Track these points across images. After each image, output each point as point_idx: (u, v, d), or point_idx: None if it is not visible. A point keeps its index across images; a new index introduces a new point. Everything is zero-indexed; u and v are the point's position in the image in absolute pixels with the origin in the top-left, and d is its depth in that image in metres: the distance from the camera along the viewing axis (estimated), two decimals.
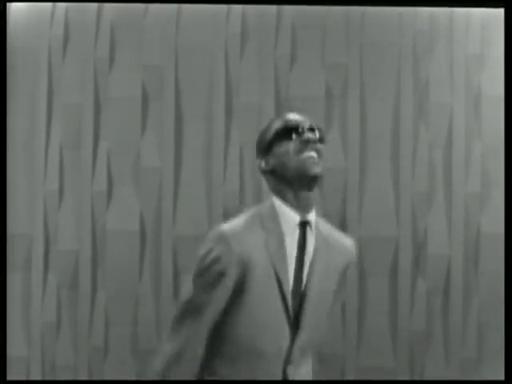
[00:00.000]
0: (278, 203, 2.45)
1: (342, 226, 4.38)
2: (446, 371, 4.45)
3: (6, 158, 4.42)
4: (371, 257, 4.47)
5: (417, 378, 4.45)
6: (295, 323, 2.44)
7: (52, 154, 4.53)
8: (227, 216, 4.34)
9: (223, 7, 4.52)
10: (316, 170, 2.40)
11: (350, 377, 4.45)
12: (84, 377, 4.48)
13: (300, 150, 2.42)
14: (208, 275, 2.39)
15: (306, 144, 2.42)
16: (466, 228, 4.47)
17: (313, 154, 2.42)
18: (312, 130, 2.46)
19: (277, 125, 2.49)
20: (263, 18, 4.53)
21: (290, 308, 2.42)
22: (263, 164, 2.49)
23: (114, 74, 4.54)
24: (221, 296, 2.37)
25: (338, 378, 4.43)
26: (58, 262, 4.51)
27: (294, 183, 2.43)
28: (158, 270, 4.48)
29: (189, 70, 4.52)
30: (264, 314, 2.40)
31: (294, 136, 2.44)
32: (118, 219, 4.49)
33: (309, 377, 2.56)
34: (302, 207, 2.44)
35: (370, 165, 4.48)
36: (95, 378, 4.48)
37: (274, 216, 2.44)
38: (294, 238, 2.43)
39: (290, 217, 2.43)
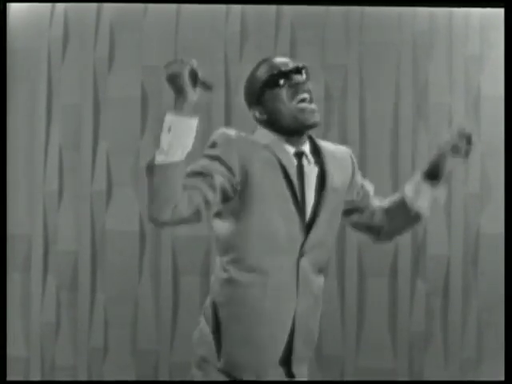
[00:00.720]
0: (274, 136, 2.50)
1: (342, 227, 4.37)
2: (446, 371, 4.45)
3: (5, 158, 4.42)
4: (371, 258, 4.46)
5: (416, 378, 4.45)
6: (309, 222, 2.47)
7: (51, 155, 4.53)
8: None
9: (222, 7, 4.52)
10: (314, 119, 2.46)
11: (350, 377, 4.44)
12: (83, 377, 4.48)
13: (292, 95, 2.46)
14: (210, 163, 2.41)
15: (297, 87, 2.45)
16: (466, 229, 4.47)
17: (305, 95, 2.45)
18: (298, 71, 2.49)
19: (262, 73, 2.50)
20: (262, 18, 4.53)
21: (303, 211, 2.46)
22: (257, 114, 2.52)
23: (113, 74, 4.53)
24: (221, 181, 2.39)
25: (337, 378, 4.43)
26: (57, 263, 4.51)
27: (290, 130, 2.48)
28: (157, 271, 4.48)
29: None
30: (276, 210, 2.42)
31: (282, 82, 2.47)
32: (118, 220, 4.49)
33: (319, 279, 2.55)
34: (295, 144, 2.50)
35: (370, 166, 4.47)
36: (94, 378, 4.48)
37: (275, 144, 2.48)
38: (293, 167, 2.48)
39: (286, 149, 2.48)
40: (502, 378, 4.21)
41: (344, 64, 4.52)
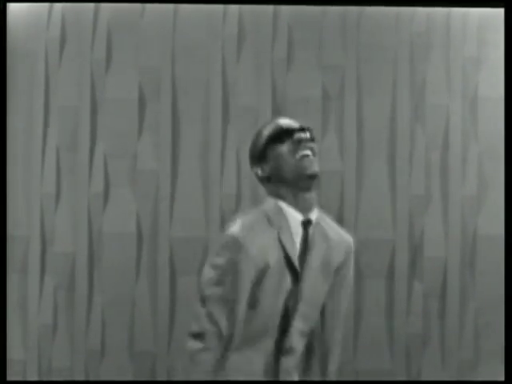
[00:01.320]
0: (281, 204, 2.49)
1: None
2: (443, 373, 4.45)
3: (5, 159, 4.42)
4: (368, 259, 4.46)
5: (414, 380, 4.45)
6: (288, 316, 2.50)
7: (49, 156, 4.53)
8: (224, 218, 4.34)
9: (220, 8, 4.52)
10: (313, 168, 2.45)
11: (347, 379, 4.44)
12: (81, 379, 4.47)
13: (294, 151, 2.47)
14: (227, 280, 2.41)
15: (299, 143, 2.47)
16: (463, 230, 4.47)
17: (307, 152, 2.46)
18: (303, 129, 2.50)
19: (267, 131, 2.53)
20: (260, 20, 4.52)
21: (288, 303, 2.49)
22: (260, 172, 2.53)
23: (110, 75, 4.53)
24: (243, 291, 2.41)
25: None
26: (54, 264, 4.51)
27: (292, 185, 2.47)
28: (154, 272, 4.48)
29: (185, 72, 4.51)
30: (274, 303, 2.46)
31: (285, 138, 2.48)
32: (115, 221, 4.49)
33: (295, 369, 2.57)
34: (303, 207, 2.49)
35: (367, 167, 4.48)
36: (92, 380, 4.48)
37: (281, 214, 2.47)
38: (299, 237, 2.48)
39: (294, 216, 2.47)
40: (500, 380, 4.21)
41: (341, 65, 4.52)
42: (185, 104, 4.51)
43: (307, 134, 2.49)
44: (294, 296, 2.50)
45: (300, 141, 2.47)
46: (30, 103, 4.53)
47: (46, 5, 4.54)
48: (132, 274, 4.48)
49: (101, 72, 4.53)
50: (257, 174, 2.54)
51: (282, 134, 2.49)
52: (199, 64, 4.52)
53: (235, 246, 2.40)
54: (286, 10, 4.52)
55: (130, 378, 4.45)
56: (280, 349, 2.49)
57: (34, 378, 4.49)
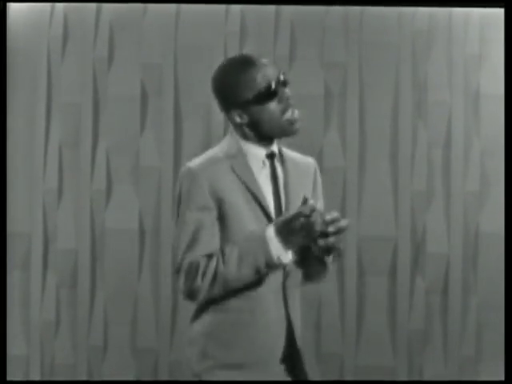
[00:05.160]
0: (243, 143, 2.49)
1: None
2: (445, 370, 4.45)
3: (5, 157, 4.42)
4: (370, 256, 4.47)
5: (415, 377, 4.45)
6: None
7: (51, 153, 4.53)
8: None
9: (222, 6, 4.52)
10: (298, 128, 2.48)
11: (349, 376, 4.44)
12: (83, 376, 4.47)
13: (282, 110, 2.46)
14: (191, 204, 2.42)
15: (287, 102, 2.46)
16: (465, 227, 4.47)
17: (296, 115, 2.47)
18: (286, 83, 2.49)
19: (251, 80, 2.45)
20: (262, 17, 4.53)
21: None
22: (237, 118, 2.47)
23: (113, 73, 4.53)
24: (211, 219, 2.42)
25: (336, 377, 4.43)
26: (57, 261, 4.51)
27: (269, 137, 2.49)
28: (157, 269, 4.48)
29: (188, 69, 4.52)
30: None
31: (274, 95, 2.45)
32: (118, 218, 4.49)
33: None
34: (264, 144, 2.51)
35: (369, 164, 4.48)
36: (94, 377, 4.47)
37: (242, 155, 2.48)
38: (266, 170, 2.50)
39: (255, 153, 2.49)
40: (501, 377, 4.21)
41: (343, 63, 4.52)
42: (187, 101, 4.52)
43: (288, 88, 2.48)
44: None
45: (287, 98, 2.46)
46: (32, 101, 4.54)
47: (48, 4, 4.54)
48: (134, 271, 4.48)
49: (103, 69, 4.53)
50: (233, 119, 2.48)
51: (273, 90, 2.44)
52: (201, 61, 4.52)
53: (189, 176, 2.41)
54: (288, 8, 4.53)
55: (132, 374, 4.45)
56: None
57: (37, 375, 4.49)
